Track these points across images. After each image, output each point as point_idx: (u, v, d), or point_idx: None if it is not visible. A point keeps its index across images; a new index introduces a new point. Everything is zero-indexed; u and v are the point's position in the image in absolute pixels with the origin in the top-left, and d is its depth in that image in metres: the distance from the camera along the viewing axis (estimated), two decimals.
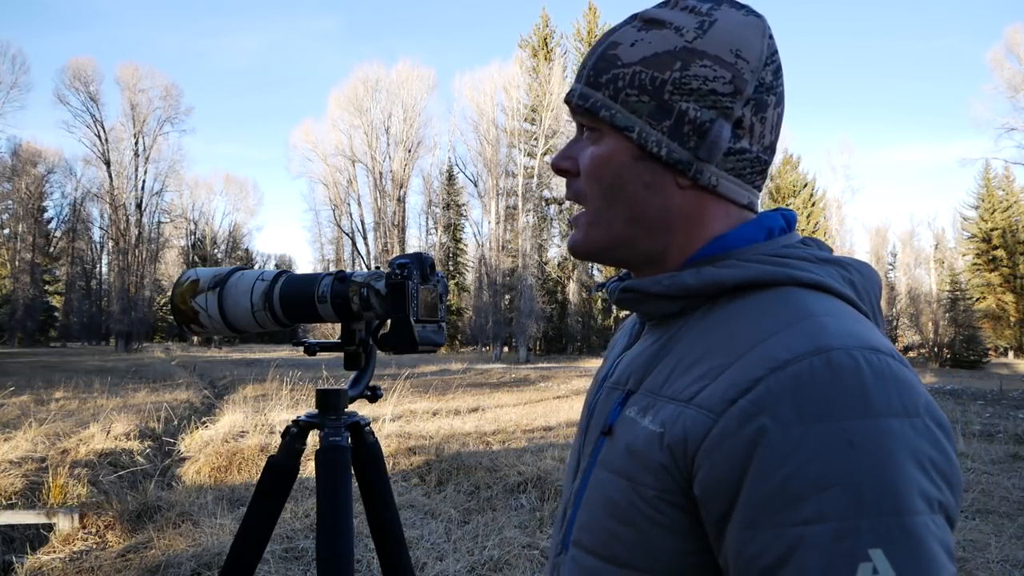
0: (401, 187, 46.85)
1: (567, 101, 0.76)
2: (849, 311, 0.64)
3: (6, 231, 46.69)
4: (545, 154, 39.36)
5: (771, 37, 0.72)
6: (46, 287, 48.24)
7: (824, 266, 0.68)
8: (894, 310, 44.50)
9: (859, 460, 0.52)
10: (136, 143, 43.14)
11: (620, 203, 0.72)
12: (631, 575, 0.63)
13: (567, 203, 43.11)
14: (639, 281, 0.73)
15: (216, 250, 56.87)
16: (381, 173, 46.91)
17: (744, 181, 0.72)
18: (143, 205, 43.91)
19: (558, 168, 0.77)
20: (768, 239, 0.72)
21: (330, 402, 1.26)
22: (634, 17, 0.74)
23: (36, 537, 4.54)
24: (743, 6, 0.73)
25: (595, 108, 0.71)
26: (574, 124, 0.75)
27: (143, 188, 43.81)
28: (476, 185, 43.76)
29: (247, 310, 1.27)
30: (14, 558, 4.15)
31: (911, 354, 42.79)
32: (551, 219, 43.31)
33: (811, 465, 0.53)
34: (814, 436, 0.53)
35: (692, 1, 0.72)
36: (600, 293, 0.81)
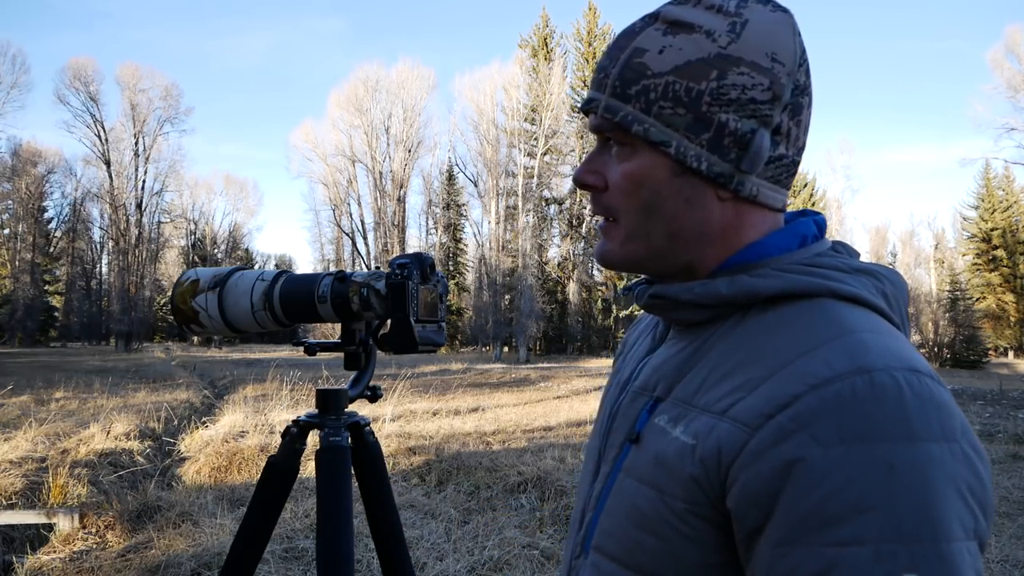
0: (401, 187, 46.84)
1: (587, 111, 0.71)
2: (884, 326, 0.64)
3: (6, 231, 46.68)
4: (545, 154, 39.37)
5: (799, 34, 0.68)
6: (46, 287, 48.17)
7: (858, 276, 0.67)
8: None
9: (899, 484, 0.52)
10: (136, 143, 43.13)
11: (659, 219, 0.69)
12: None
13: (567, 203, 43.42)
14: (669, 287, 0.70)
15: (216, 250, 56.80)
16: (381, 173, 46.90)
17: (780, 186, 0.70)
18: (143, 205, 43.90)
19: (583, 183, 0.73)
20: (801, 246, 0.70)
21: (330, 402, 1.26)
22: (654, 18, 0.69)
23: (36, 537, 4.54)
24: (768, 0, 0.68)
25: (626, 123, 0.67)
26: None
27: (143, 188, 43.82)
28: (476, 185, 43.77)
29: (247, 310, 1.27)
30: (14, 558, 4.14)
31: None
32: (551, 219, 43.31)
33: (851, 486, 0.53)
34: (855, 457, 0.53)
35: None
36: (624, 295, 0.79)
